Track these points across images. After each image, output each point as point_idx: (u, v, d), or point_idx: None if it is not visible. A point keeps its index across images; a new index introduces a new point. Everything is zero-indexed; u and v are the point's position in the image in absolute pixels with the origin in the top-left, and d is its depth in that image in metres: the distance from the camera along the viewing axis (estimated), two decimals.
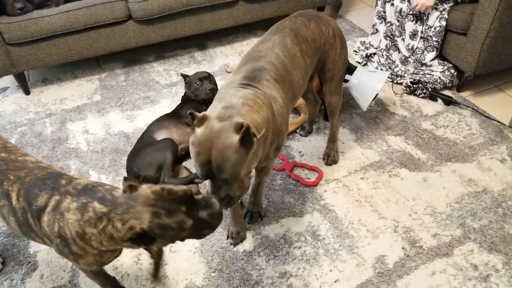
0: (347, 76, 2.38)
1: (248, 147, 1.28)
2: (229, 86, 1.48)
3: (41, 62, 2.66)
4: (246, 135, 1.25)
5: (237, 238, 1.85)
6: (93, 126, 2.53)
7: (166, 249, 1.84)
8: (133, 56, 3.11)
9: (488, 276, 1.71)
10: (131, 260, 1.81)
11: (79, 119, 2.59)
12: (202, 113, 1.30)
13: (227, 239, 1.87)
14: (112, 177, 2.19)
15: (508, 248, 1.80)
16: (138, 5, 2.66)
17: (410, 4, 2.59)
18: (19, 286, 1.74)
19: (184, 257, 1.81)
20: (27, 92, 2.79)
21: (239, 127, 1.24)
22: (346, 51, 1.94)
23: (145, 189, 1.18)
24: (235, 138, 1.24)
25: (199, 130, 1.28)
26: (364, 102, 2.34)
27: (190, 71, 2.93)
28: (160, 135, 2.19)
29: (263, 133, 1.35)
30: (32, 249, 1.88)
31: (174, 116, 2.30)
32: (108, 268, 1.78)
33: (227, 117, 1.28)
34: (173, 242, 1.19)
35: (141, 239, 1.14)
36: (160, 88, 2.80)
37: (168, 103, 2.66)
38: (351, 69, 2.42)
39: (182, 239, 1.21)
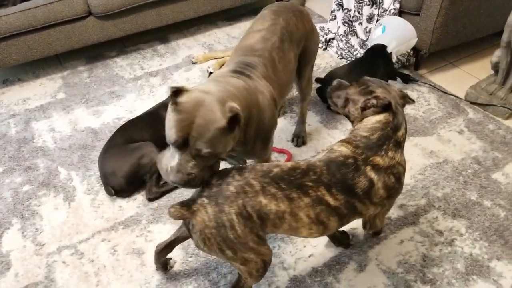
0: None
1: (231, 131, 1.28)
2: (219, 74, 1.49)
3: (1, 63, 2.60)
4: (233, 120, 1.25)
5: None
6: (59, 124, 2.49)
7: (142, 238, 1.86)
8: (95, 53, 3.08)
9: (453, 240, 1.81)
10: (108, 252, 1.82)
11: (44, 117, 2.55)
12: (183, 86, 1.28)
13: None
14: (82, 172, 2.18)
15: (470, 213, 1.91)
16: (97, 0, 2.63)
17: None
18: None
19: None
20: None
21: (232, 111, 1.24)
22: (318, 38, 2.01)
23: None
24: (223, 118, 1.24)
25: (184, 98, 1.24)
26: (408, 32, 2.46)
27: (154, 63, 2.94)
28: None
29: (242, 123, 1.35)
30: (4, 248, 1.86)
31: (151, 118, 2.17)
32: (85, 262, 1.78)
33: (213, 94, 1.28)
34: None
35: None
36: (124, 82, 2.79)
37: (134, 97, 2.66)
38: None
39: None
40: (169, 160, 1.28)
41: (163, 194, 2.02)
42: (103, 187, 2.07)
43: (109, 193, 1.99)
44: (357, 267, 1.72)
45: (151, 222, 1.92)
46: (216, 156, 1.29)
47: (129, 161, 1.96)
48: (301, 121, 2.26)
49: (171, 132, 1.25)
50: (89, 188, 2.09)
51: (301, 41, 1.82)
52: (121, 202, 2.02)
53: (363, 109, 1.42)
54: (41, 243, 1.87)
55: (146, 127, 2.11)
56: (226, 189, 1.27)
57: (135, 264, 1.76)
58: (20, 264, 1.79)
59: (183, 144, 1.24)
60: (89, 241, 1.86)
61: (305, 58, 1.93)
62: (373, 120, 1.41)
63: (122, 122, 2.45)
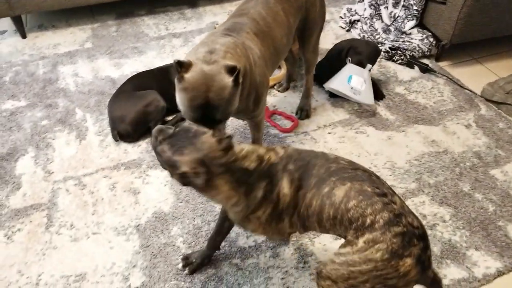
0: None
1: (237, 87, 1.37)
2: (211, 34, 1.56)
3: (37, 7, 2.77)
4: (236, 77, 1.34)
5: None
6: (82, 70, 2.67)
7: (140, 180, 2.00)
8: (125, 10, 3.23)
9: (434, 225, 1.84)
10: (107, 187, 1.97)
11: (70, 63, 2.73)
12: (187, 59, 1.35)
13: None
14: (96, 115, 2.34)
15: (459, 203, 1.92)
16: None
17: None
18: (3, 201, 1.91)
19: (156, 188, 1.96)
20: (23, 36, 2.93)
21: (231, 69, 1.33)
22: (325, 10, 2.04)
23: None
24: (229, 79, 1.33)
25: (189, 75, 1.33)
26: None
27: (179, 26, 3.06)
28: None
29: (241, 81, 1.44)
30: (17, 171, 2.05)
31: (161, 74, 2.29)
32: (86, 193, 1.94)
33: (214, 62, 1.35)
34: None
35: None
36: (148, 40, 2.92)
37: (154, 54, 2.79)
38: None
39: None
40: None
41: None
42: None
43: (114, 137, 2.14)
44: (333, 237, 1.80)
45: (150, 167, 2.06)
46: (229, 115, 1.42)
47: (136, 108, 2.09)
48: (306, 95, 2.31)
49: (187, 111, 1.34)
50: (100, 130, 2.25)
51: (297, 0, 1.84)
52: (127, 146, 2.16)
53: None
54: (50, 171, 2.04)
55: (155, 81, 2.24)
56: None
57: (129, 201, 1.91)
58: (29, 186, 1.98)
59: (203, 118, 1.34)
60: (92, 175, 2.02)
61: (307, 26, 1.97)
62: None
63: None
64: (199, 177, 1.15)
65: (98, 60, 2.74)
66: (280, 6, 1.75)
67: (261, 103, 1.69)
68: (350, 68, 2.30)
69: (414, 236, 1.13)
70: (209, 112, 1.34)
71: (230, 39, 1.49)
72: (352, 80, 2.25)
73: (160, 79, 2.26)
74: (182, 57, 1.41)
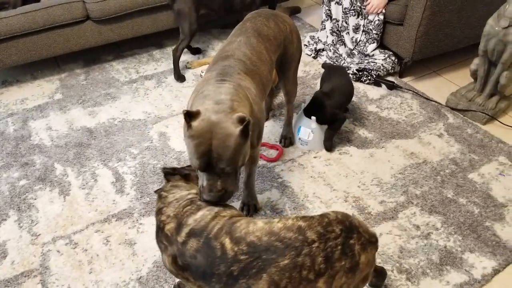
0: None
1: (246, 138, 1.38)
2: (207, 83, 1.55)
3: (1, 63, 2.70)
4: (245, 127, 1.35)
5: None
6: (55, 123, 2.59)
7: (134, 230, 1.94)
8: (92, 56, 3.19)
9: (429, 234, 1.91)
10: (101, 242, 1.90)
11: (41, 117, 2.64)
12: (196, 109, 1.37)
13: None
14: (77, 168, 2.27)
15: (446, 209, 2.01)
16: (95, 5, 2.75)
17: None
18: None
19: (152, 236, 1.91)
20: None
21: (241, 120, 1.34)
22: (301, 44, 2.12)
23: None
24: (236, 129, 1.34)
25: (196, 123, 1.34)
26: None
27: (150, 68, 3.05)
28: None
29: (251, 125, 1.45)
30: (1, 238, 1.94)
31: None
32: (79, 251, 1.86)
33: (222, 111, 1.37)
34: None
35: None
36: (120, 85, 2.89)
37: (129, 99, 2.77)
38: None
39: None
40: (199, 180, 1.42)
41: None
42: (97, 182, 2.17)
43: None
44: None
45: (143, 215, 2.01)
46: (240, 167, 1.41)
47: None
48: (288, 123, 2.37)
49: (193, 158, 1.36)
50: (84, 183, 2.18)
51: (276, 38, 1.90)
52: (115, 196, 2.11)
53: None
54: (37, 234, 1.95)
55: None
56: None
57: (127, 254, 1.85)
58: (16, 252, 1.87)
59: (207, 167, 1.35)
60: (83, 232, 1.95)
61: (286, 60, 2.04)
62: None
63: (116, 123, 2.56)
64: None
65: (71, 111, 2.68)
66: (262, 46, 1.81)
67: (261, 137, 1.72)
68: (300, 119, 2.38)
69: None
70: (213, 160, 1.34)
71: (228, 85, 1.50)
72: (300, 131, 2.36)
73: None
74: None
